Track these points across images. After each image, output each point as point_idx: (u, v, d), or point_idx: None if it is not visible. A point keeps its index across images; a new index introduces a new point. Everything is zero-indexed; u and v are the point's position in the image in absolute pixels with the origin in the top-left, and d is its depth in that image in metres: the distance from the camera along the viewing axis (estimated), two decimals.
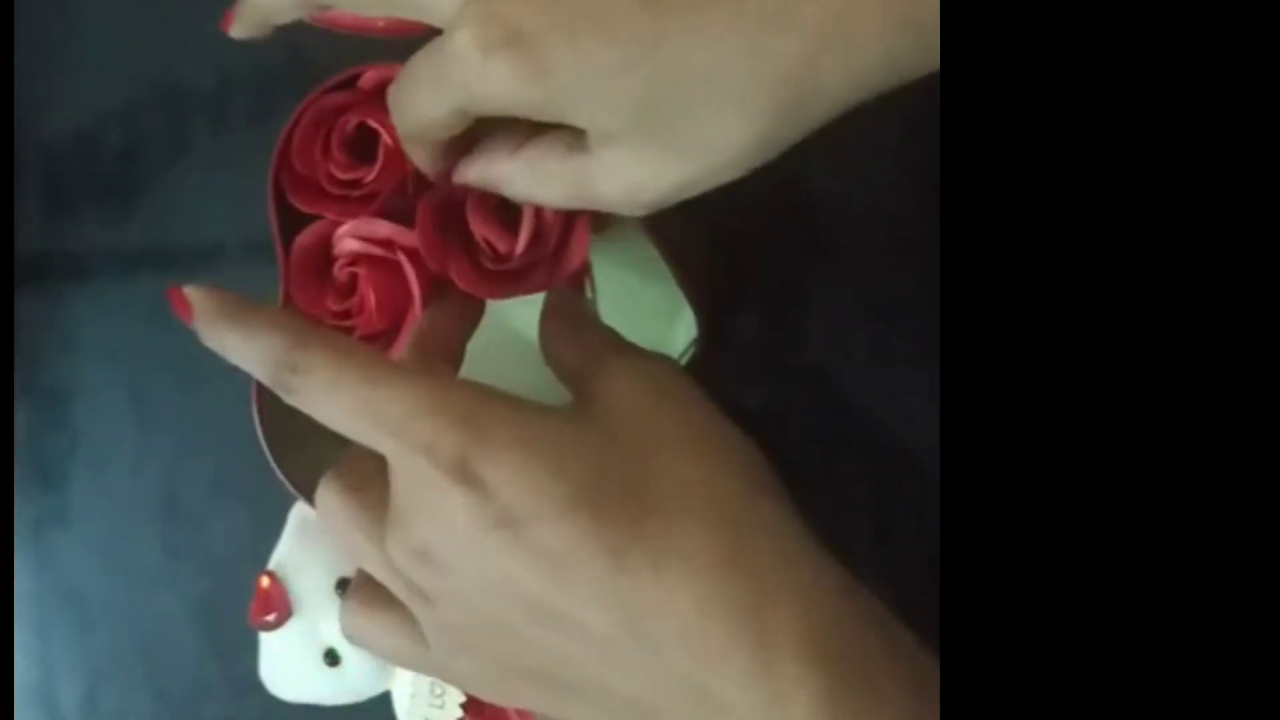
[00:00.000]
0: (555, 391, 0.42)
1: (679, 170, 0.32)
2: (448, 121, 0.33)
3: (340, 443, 0.43)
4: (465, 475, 0.30)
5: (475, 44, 0.30)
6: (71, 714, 0.46)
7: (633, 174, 0.32)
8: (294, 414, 0.41)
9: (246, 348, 0.34)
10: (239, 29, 0.37)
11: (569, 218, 0.38)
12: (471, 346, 0.42)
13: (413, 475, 0.31)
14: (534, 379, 0.42)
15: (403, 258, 0.39)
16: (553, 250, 0.38)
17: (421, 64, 0.33)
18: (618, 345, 0.36)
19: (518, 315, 0.39)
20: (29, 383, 0.46)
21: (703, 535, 0.30)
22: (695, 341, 0.39)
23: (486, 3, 0.30)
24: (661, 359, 0.36)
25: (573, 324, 0.37)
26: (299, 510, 0.41)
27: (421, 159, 0.36)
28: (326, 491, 0.34)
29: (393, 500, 0.32)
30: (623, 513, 0.30)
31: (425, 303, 0.39)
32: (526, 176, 0.35)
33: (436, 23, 0.32)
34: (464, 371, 0.42)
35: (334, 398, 0.32)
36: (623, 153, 0.32)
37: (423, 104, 0.33)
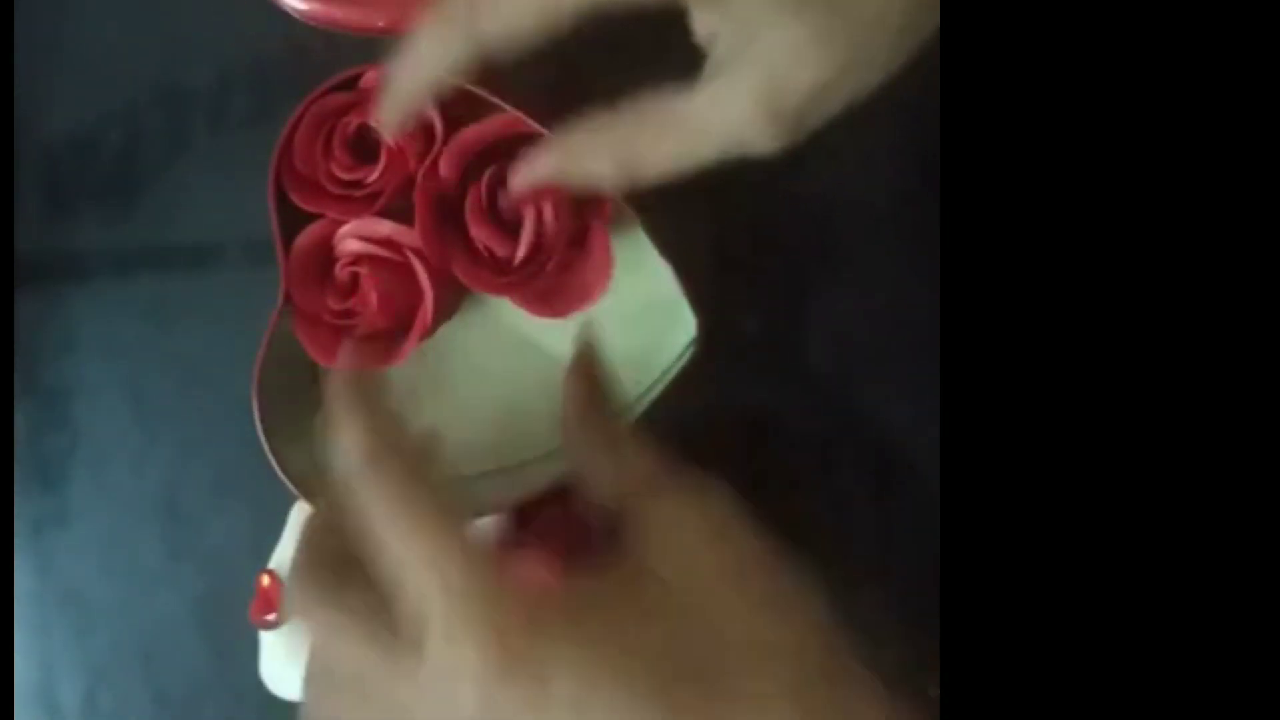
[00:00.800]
0: (553, 391, 0.42)
1: (826, 58, 0.29)
2: (568, 11, 0.30)
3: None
4: (519, 670, 0.28)
5: None
6: (71, 714, 0.46)
7: (775, 72, 0.29)
8: (294, 412, 0.41)
9: (344, 430, 0.32)
10: (388, 124, 0.34)
11: (577, 224, 0.39)
12: (472, 350, 0.42)
13: (454, 657, 0.28)
14: (533, 378, 0.42)
15: (412, 257, 0.39)
16: (561, 258, 0.38)
17: None
18: (663, 479, 0.34)
19: (519, 316, 0.39)
20: (29, 383, 0.46)
21: (784, 712, 0.29)
22: (695, 341, 0.39)
23: None
24: (710, 491, 0.34)
25: (608, 446, 0.35)
26: (300, 510, 0.41)
27: (423, 82, 0.32)
28: (314, 607, 0.31)
29: (423, 685, 0.29)
30: (698, 706, 0.29)
31: (437, 300, 0.39)
32: (636, 133, 0.31)
33: None
34: (465, 370, 0.42)
35: (396, 527, 0.30)
36: (768, 42, 0.29)
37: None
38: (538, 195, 0.35)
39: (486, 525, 0.41)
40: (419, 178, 0.38)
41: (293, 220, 0.39)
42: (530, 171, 0.33)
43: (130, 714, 0.46)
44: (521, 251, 0.38)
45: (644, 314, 0.40)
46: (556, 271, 0.39)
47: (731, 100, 0.30)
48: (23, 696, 0.46)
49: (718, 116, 0.30)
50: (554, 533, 0.42)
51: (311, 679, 0.32)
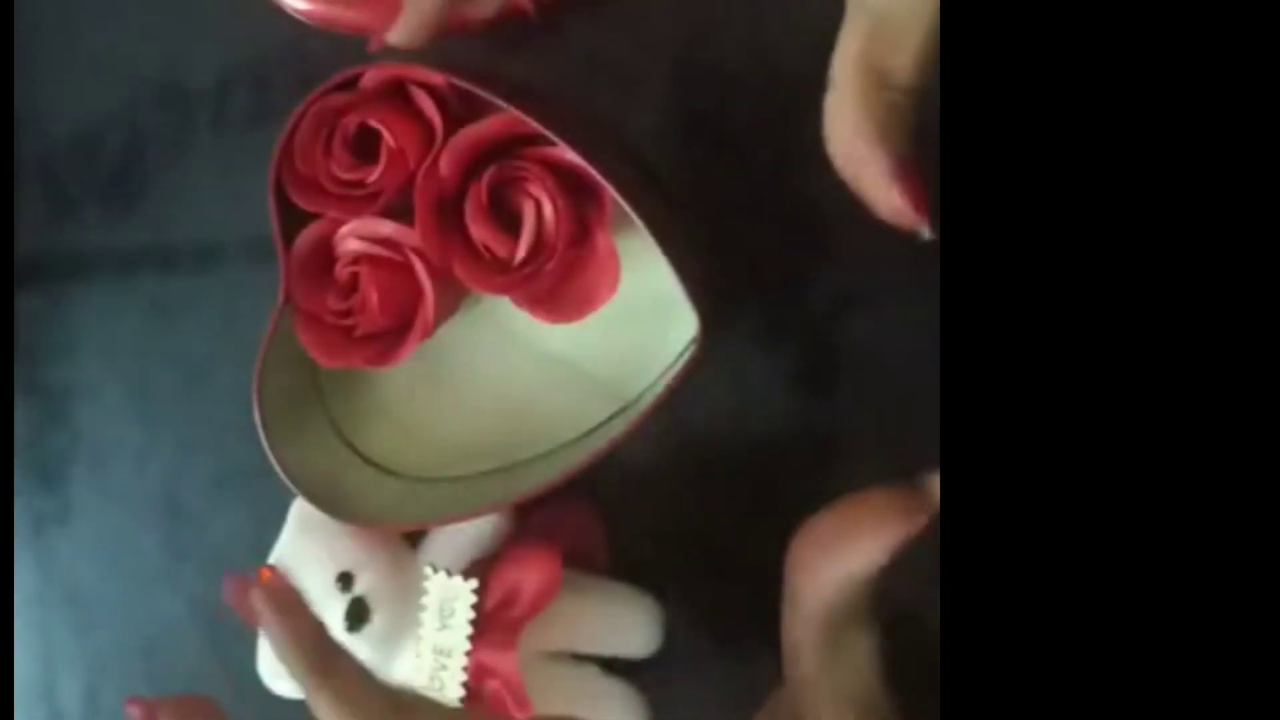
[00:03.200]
0: (554, 395, 0.42)
1: None
2: None
3: (341, 440, 0.43)
4: None
5: None
6: (72, 712, 0.46)
7: None
8: (295, 411, 0.41)
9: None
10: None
11: (578, 225, 0.39)
12: (472, 350, 0.43)
13: None
14: (533, 378, 0.42)
15: (412, 256, 0.39)
16: (562, 259, 0.38)
17: None
18: None
19: (519, 316, 0.39)
20: (30, 382, 0.46)
21: None
22: (694, 341, 0.39)
23: None
24: None
25: None
26: (300, 505, 0.41)
27: None
28: None
29: None
30: None
31: (437, 299, 0.39)
32: None
33: None
34: (465, 370, 0.43)
35: None
36: None
37: None
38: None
39: (487, 525, 0.41)
40: (419, 177, 0.38)
41: (293, 220, 0.39)
42: None
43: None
44: (522, 251, 0.38)
45: (644, 312, 0.40)
46: (559, 274, 0.39)
47: None
48: (23, 694, 0.46)
49: None
50: (554, 533, 0.42)
51: None
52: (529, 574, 0.40)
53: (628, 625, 0.42)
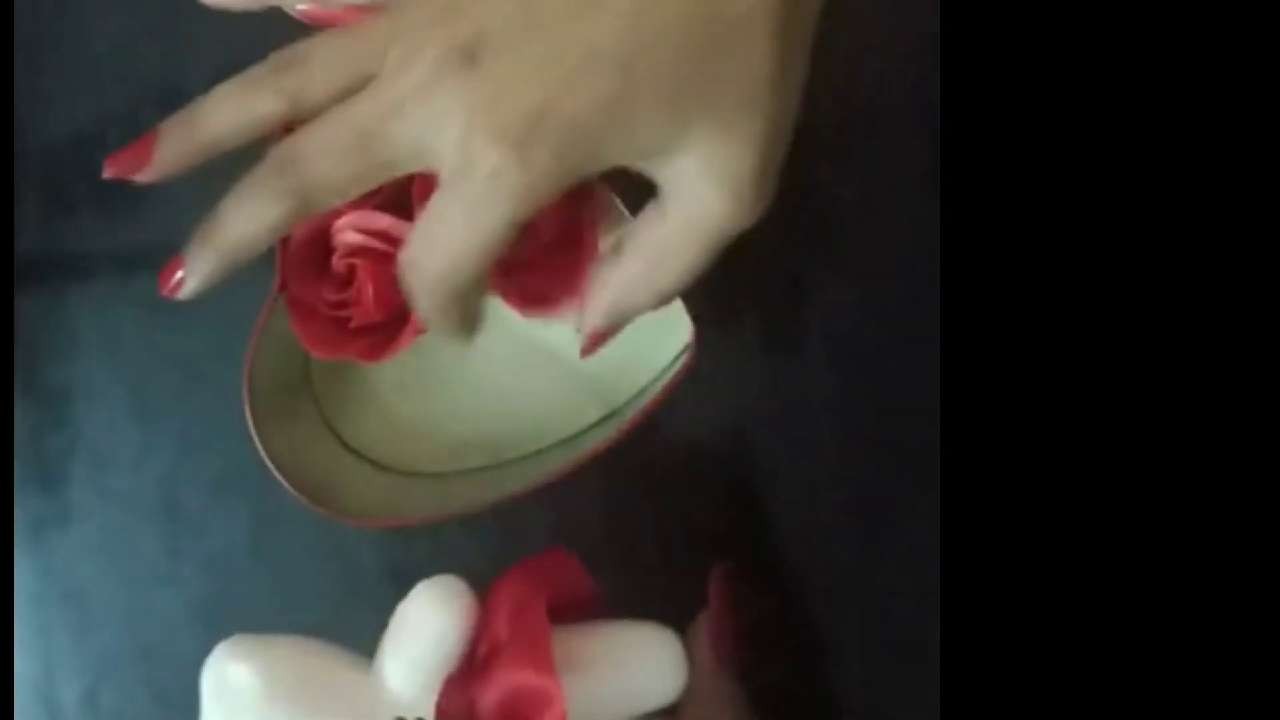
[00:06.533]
0: (546, 394, 0.42)
1: (749, 135, 0.32)
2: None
3: (331, 433, 0.43)
4: None
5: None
6: (72, 713, 0.46)
7: (722, 170, 0.33)
8: (285, 402, 0.41)
9: None
10: (197, 282, 0.36)
11: (568, 225, 0.38)
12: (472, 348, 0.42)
13: None
14: (527, 374, 0.42)
15: None
16: (552, 255, 0.38)
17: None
18: None
19: (513, 313, 0.39)
20: (29, 383, 0.46)
21: None
22: (688, 347, 0.39)
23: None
24: None
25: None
26: (213, 677, 0.38)
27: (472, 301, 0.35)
28: None
29: None
30: None
31: None
32: (651, 265, 0.34)
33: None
34: (459, 365, 0.42)
35: None
36: (699, 152, 0.32)
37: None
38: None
39: (449, 633, 0.37)
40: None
41: None
42: (592, 329, 0.36)
43: (130, 713, 0.46)
44: (517, 249, 0.38)
45: (641, 315, 0.40)
46: (548, 270, 0.39)
47: (700, 211, 0.33)
48: (23, 695, 0.46)
49: (694, 229, 0.33)
50: (533, 622, 0.38)
51: None
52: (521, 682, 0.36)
53: (649, 675, 0.38)
